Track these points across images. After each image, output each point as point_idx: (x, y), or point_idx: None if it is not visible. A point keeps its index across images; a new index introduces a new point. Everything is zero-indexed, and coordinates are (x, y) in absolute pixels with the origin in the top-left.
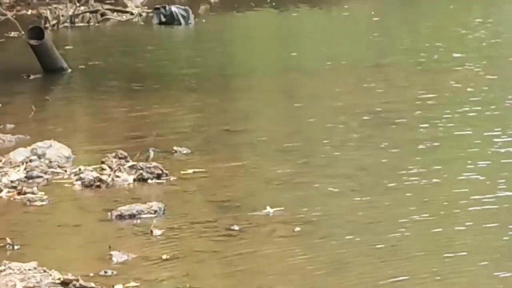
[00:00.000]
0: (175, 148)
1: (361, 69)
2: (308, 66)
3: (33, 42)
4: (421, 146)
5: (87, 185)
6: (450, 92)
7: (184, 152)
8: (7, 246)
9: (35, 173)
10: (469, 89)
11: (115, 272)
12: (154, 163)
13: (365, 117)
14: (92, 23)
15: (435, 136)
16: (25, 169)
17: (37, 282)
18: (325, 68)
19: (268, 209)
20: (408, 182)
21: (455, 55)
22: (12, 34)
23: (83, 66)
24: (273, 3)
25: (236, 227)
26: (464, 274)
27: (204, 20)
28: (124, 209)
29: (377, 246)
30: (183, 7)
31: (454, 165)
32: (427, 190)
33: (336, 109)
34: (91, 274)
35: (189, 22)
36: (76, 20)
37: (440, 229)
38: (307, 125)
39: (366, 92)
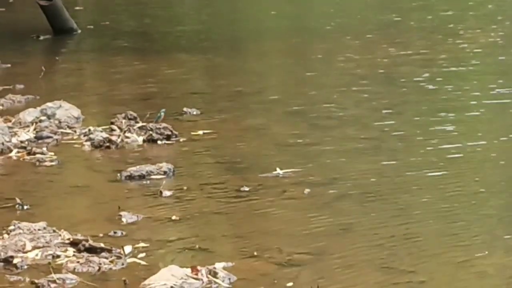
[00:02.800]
0: (185, 109)
1: (374, 31)
2: (319, 27)
3: (43, 2)
4: (436, 106)
5: (97, 146)
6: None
7: (194, 113)
8: (17, 206)
9: (44, 133)
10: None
11: (124, 233)
12: (163, 124)
13: (377, 78)
14: None
15: (450, 96)
16: (34, 129)
17: (46, 242)
18: (337, 29)
19: (278, 170)
20: (422, 144)
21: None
22: None
23: (91, 27)
24: None
25: (246, 188)
26: (478, 236)
27: None
28: (134, 170)
29: (388, 209)
30: None
31: (469, 127)
32: (440, 152)
33: (348, 70)
34: (101, 235)
35: None
36: None
37: (453, 192)
38: (319, 87)
39: (378, 53)
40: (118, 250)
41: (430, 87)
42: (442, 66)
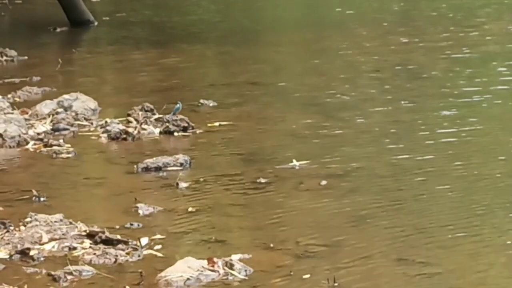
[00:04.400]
0: (201, 101)
1: (392, 23)
2: (337, 19)
3: None
4: (452, 99)
5: (113, 138)
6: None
7: (211, 104)
8: (34, 198)
9: (61, 125)
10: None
11: (140, 225)
12: (180, 116)
13: (394, 70)
14: None
15: (467, 90)
16: (51, 121)
17: (63, 234)
18: (356, 22)
19: (295, 162)
20: (439, 135)
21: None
22: None
23: (107, 18)
24: None
25: (263, 180)
26: (496, 227)
27: None
28: (150, 161)
29: (405, 200)
30: None
31: (488, 120)
32: (459, 144)
33: (365, 61)
34: (117, 227)
35: None
36: None
37: (472, 183)
38: (336, 79)
39: (396, 46)
40: (135, 242)
41: (450, 75)
42: (462, 54)
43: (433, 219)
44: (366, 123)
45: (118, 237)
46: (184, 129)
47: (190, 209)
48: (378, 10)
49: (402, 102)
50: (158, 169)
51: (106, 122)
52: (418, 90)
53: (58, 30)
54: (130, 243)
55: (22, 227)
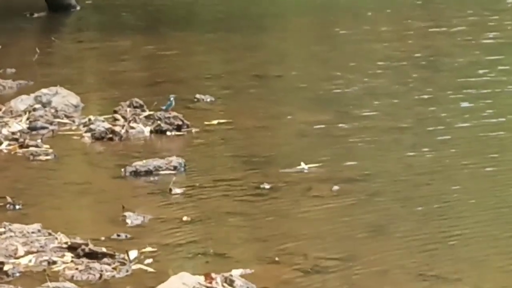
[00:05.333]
0: (197, 95)
1: (407, 7)
2: (347, 4)
3: None
4: (471, 91)
5: (98, 138)
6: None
7: (208, 100)
8: (8, 205)
9: (39, 123)
10: None
11: (129, 236)
12: (173, 113)
13: (410, 59)
14: None
15: (487, 83)
16: (28, 119)
17: (41, 247)
18: (367, 5)
19: (303, 165)
20: (465, 135)
21: None
22: None
23: (90, 1)
24: None
25: (266, 186)
26: None
27: None
28: (140, 164)
29: (423, 207)
30: None
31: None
32: (484, 140)
33: (377, 52)
34: (102, 238)
35: None
36: None
37: (503, 190)
38: (346, 70)
39: (413, 31)
40: (122, 256)
41: (471, 71)
42: (487, 40)
43: (459, 230)
44: (383, 121)
45: (104, 249)
46: (178, 128)
47: (184, 218)
48: None
49: (419, 94)
50: (148, 173)
51: (89, 119)
52: (441, 85)
53: (36, 15)
54: (117, 256)
55: None
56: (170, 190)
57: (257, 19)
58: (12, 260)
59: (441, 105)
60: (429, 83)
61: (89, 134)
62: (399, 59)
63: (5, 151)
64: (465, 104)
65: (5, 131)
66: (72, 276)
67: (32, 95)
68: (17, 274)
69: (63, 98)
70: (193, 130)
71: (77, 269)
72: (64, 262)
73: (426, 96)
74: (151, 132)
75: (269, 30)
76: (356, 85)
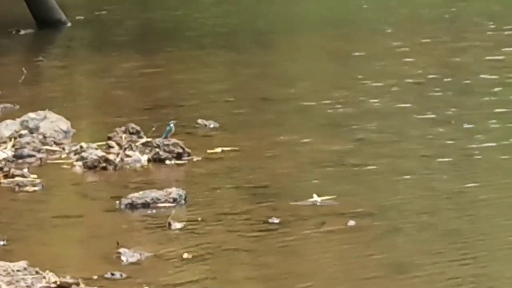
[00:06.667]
0: (199, 121)
1: (425, 26)
2: (361, 19)
3: None
4: (497, 110)
5: (90, 167)
6: None
7: (211, 126)
8: None
9: (25, 151)
10: None
11: (124, 275)
12: (173, 140)
13: (433, 82)
14: None
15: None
16: (13, 146)
17: (27, 286)
18: (383, 21)
19: (315, 197)
20: (497, 164)
21: None
22: None
23: (82, 17)
24: None
25: (275, 220)
26: None
27: None
28: (136, 196)
29: (451, 245)
30: None
31: None
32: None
33: (396, 71)
34: (95, 277)
35: None
36: None
37: None
38: (363, 91)
39: (431, 52)
40: None
41: (499, 91)
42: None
43: (490, 268)
44: (404, 148)
45: None
46: (178, 156)
47: (185, 255)
48: (413, 14)
49: (442, 120)
50: (145, 205)
51: (81, 147)
52: (465, 107)
53: (23, 32)
54: None
55: None
56: (169, 224)
57: (265, 37)
58: None
59: (465, 129)
60: (454, 106)
61: (80, 163)
62: (418, 79)
63: None
64: (493, 125)
65: None
66: None
67: (18, 120)
68: None
69: (52, 123)
70: (195, 158)
71: None
72: None
73: (453, 121)
74: (148, 160)
75: (277, 49)
76: (373, 108)
